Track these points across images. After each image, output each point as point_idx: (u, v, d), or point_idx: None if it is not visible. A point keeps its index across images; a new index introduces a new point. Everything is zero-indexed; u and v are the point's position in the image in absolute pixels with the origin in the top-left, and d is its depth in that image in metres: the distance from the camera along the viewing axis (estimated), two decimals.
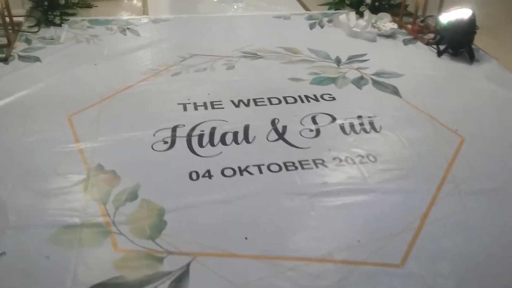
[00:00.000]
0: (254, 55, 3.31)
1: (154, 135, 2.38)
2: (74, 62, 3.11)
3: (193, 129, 2.45)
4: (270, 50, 3.39)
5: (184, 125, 2.47)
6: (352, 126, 2.53)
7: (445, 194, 2.04)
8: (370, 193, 2.03)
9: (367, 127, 2.53)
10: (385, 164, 2.23)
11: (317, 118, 2.59)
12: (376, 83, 2.98)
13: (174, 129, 2.43)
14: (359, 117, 2.60)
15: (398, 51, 3.48)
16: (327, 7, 4.26)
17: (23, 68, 2.99)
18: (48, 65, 3.06)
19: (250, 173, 2.14)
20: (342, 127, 2.52)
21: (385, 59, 3.31)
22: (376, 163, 2.23)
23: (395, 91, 2.89)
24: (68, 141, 2.32)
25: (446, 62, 3.29)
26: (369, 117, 2.61)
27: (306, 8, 4.29)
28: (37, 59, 3.11)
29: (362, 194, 2.03)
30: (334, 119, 2.59)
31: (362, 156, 2.28)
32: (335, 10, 4.18)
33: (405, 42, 3.59)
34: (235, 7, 4.41)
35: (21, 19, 3.64)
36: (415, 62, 3.31)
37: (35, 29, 3.54)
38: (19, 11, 3.68)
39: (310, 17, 4.02)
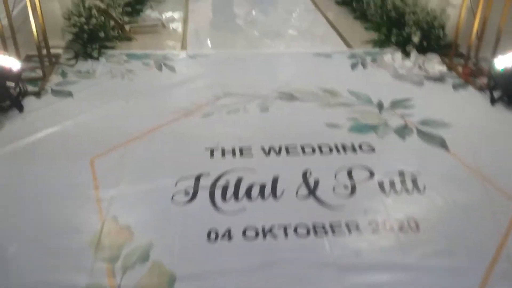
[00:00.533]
0: (290, 96, 3.14)
1: (176, 184, 2.24)
2: (106, 98, 3.05)
3: (217, 179, 2.29)
4: (307, 91, 3.21)
5: (209, 174, 2.32)
6: (392, 184, 2.29)
7: (499, 277, 1.75)
8: (410, 271, 1.78)
9: (409, 186, 2.28)
10: (428, 233, 1.98)
11: (353, 172, 2.37)
12: (421, 134, 2.73)
13: (197, 178, 2.28)
14: (401, 173, 2.36)
15: (447, 97, 3.21)
16: (371, 44, 4.06)
17: (54, 103, 2.96)
18: (80, 101, 3.02)
19: (274, 237, 1.94)
20: (381, 185, 2.29)
21: (432, 105, 3.05)
22: (418, 232, 1.97)
23: (442, 144, 2.62)
24: (87, 187, 2.21)
25: (501, 112, 2.99)
26: (412, 173, 2.36)
27: (349, 45, 4.10)
28: (69, 94, 3.07)
29: (400, 271, 1.78)
30: (372, 174, 2.36)
31: (402, 222, 2.03)
32: (380, 48, 3.97)
33: (455, 87, 3.32)
34: (277, 42, 4.28)
35: (60, 50, 3.66)
36: (466, 110, 3.03)
37: (73, 62, 3.54)
38: (58, 42, 3.70)
39: (352, 56, 3.83)
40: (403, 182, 2.30)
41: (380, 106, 3.03)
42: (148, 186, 2.23)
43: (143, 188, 2.22)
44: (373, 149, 2.58)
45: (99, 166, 2.36)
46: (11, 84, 2.74)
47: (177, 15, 4.84)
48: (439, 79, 3.39)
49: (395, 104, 3.05)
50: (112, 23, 3.98)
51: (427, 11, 3.88)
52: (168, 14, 4.80)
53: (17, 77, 2.79)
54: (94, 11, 3.79)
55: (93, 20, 3.73)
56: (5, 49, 3.02)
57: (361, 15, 4.71)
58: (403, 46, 3.81)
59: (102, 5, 3.90)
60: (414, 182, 2.30)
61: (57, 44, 3.67)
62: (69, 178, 2.28)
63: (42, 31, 3.28)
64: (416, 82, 3.35)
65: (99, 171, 2.32)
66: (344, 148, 2.58)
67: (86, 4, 3.83)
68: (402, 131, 2.75)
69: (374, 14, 4.45)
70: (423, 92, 3.24)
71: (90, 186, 2.22)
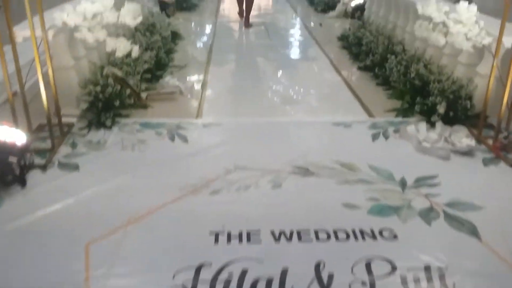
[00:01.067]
0: (305, 171, 2.95)
1: (173, 277, 2.04)
2: (112, 172, 2.92)
3: (220, 271, 2.07)
4: (324, 165, 3.02)
5: (211, 264, 2.11)
6: (417, 280, 2.02)
7: None
8: None
9: (436, 283, 2.01)
10: None
11: (372, 265, 2.12)
12: (448, 218, 2.47)
13: (198, 270, 2.08)
14: (427, 268, 2.09)
15: (476, 174, 2.96)
16: (394, 113, 3.88)
17: (59, 178, 2.84)
18: (85, 175, 2.89)
19: None
20: (404, 281, 2.02)
21: (461, 184, 2.80)
22: None
23: (473, 231, 2.36)
24: (78, 278, 2.04)
25: None
26: (439, 267, 2.09)
27: (370, 114, 3.93)
28: (76, 168, 2.96)
29: None
30: (394, 268, 2.10)
31: None
32: (403, 117, 3.78)
33: (485, 162, 3.06)
34: (296, 109, 4.15)
35: (74, 119, 3.61)
36: (498, 189, 2.77)
37: (84, 132, 3.47)
38: (73, 111, 3.66)
39: (373, 126, 3.64)
40: (429, 279, 2.03)
41: (403, 184, 2.80)
42: (143, 279, 2.04)
43: (136, 281, 2.02)
44: (395, 236, 2.33)
45: (94, 252, 2.19)
46: (14, 159, 2.65)
47: (197, 81, 4.82)
48: (467, 153, 3.15)
49: (420, 182, 2.81)
50: (128, 91, 3.94)
51: (453, 80, 3.72)
52: (188, 80, 4.78)
53: (21, 151, 2.71)
54: (110, 80, 3.77)
55: (109, 89, 3.70)
56: (15, 120, 2.98)
57: (384, 82, 4.57)
58: (428, 116, 3.61)
59: (119, 73, 3.88)
60: (442, 279, 2.03)
61: (72, 113, 3.63)
62: (62, 265, 2.12)
63: (55, 101, 3.25)
64: (442, 157, 3.11)
65: (92, 259, 2.15)
66: (362, 234, 2.34)
67: (104, 72, 3.83)
68: (428, 215, 2.50)
69: (397, 81, 4.30)
70: (450, 168, 3.00)
71: (81, 276, 2.05)
